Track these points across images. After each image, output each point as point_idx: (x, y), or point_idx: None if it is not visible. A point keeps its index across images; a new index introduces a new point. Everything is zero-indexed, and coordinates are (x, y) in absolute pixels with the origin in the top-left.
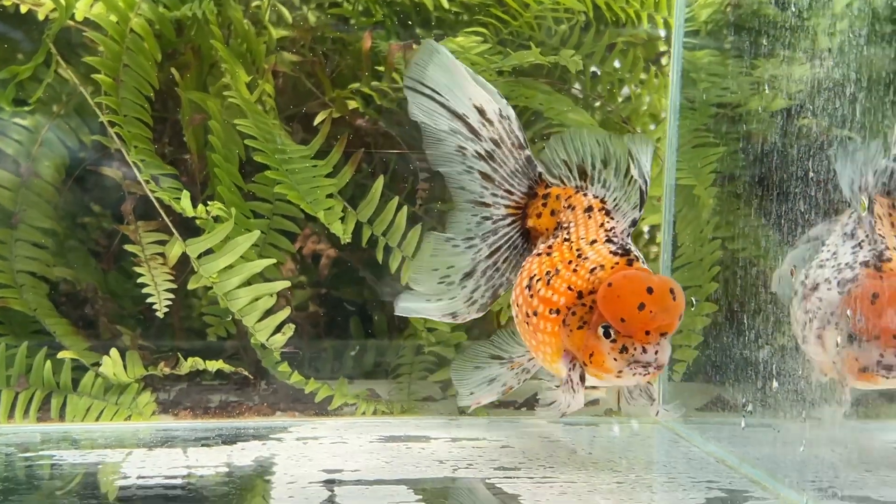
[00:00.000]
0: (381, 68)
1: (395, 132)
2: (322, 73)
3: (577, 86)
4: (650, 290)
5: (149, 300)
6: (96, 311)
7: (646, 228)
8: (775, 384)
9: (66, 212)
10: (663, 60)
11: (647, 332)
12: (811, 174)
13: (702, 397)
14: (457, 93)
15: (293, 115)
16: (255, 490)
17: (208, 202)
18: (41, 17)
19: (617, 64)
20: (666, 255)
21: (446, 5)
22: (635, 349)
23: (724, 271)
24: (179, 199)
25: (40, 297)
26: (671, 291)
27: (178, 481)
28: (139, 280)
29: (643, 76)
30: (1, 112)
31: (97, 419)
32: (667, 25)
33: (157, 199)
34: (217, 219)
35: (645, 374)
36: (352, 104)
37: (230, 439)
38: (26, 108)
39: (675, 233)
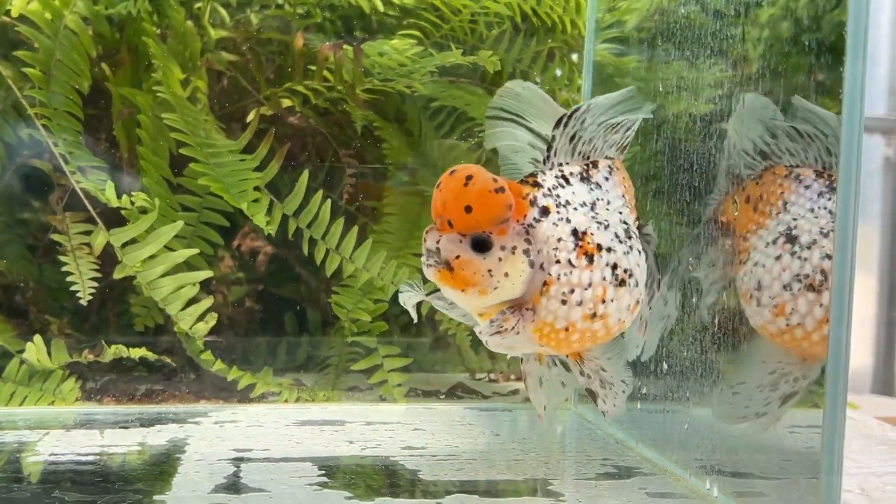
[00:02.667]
0: (314, 67)
1: (325, 130)
2: (258, 72)
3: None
4: (452, 173)
5: (73, 288)
6: (27, 301)
7: None
8: (665, 366)
9: (3, 206)
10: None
11: (439, 218)
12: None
13: None
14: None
15: (232, 114)
16: (163, 466)
17: (132, 194)
18: None
19: (555, 69)
20: None
21: (381, 8)
22: (426, 234)
23: None
24: (104, 190)
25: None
26: (467, 178)
27: (90, 458)
28: (64, 269)
29: (559, 75)
30: None
31: (21, 404)
32: (575, 26)
33: (83, 189)
34: (143, 210)
35: (428, 266)
36: (286, 102)
37: (148, 422)
38: None
39: None
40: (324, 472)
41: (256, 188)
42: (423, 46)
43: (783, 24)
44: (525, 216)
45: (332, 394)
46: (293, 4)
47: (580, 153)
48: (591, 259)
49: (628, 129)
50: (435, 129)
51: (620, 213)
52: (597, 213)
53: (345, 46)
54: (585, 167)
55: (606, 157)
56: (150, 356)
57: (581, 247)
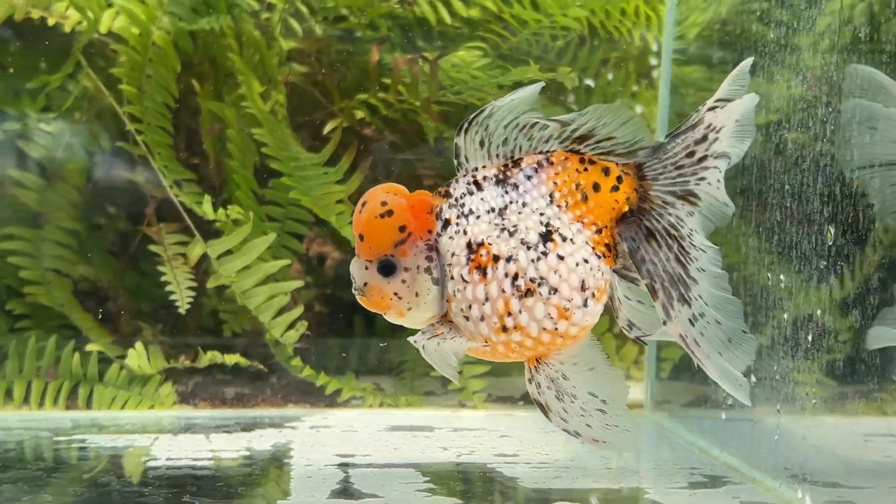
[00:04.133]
0: (388, 80)
1: (399, 141)
2: (331, 84)
3: (570, 98)
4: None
5: (171, 297)
6: (118, 308)
7: None
8: (753, 379)
9: (87, 213)
10: (654, 74)
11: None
12: (787, 186)
13: (687, 394)
14: None
15: (300, 123)
16: (277, 472)
17: (227, 206)
18: (67, 29)
19: (610, 77)
20: None
21: (449, 20)
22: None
23: None
24: (200, 203)
25: (66, 293)
26: (362, 205)
27: (206, 463)
28: (162, 279)
29: (634, 89)
30: (27, 119)
31: (122, 408)
32: (657, 42)
33: (181, 202)
34: (236, 222)
35: (354, 291)
36: (359, 114)
37: (248, 427)
38: (51, 115)
39: None
40: (428, 478)
41: (339, 201)
42: (489, 59)
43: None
44: (430, 231)
45: (413, 398)
46: (358, 16)
47: (499, 155)
48: (484, 273)
49: (568, 124)
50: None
51: (542, 213)
52: (505, 219)
53: (420, 61)
54: (503, 167)
55: (540, 153)
56: (244, 362)
57: (473, 260)
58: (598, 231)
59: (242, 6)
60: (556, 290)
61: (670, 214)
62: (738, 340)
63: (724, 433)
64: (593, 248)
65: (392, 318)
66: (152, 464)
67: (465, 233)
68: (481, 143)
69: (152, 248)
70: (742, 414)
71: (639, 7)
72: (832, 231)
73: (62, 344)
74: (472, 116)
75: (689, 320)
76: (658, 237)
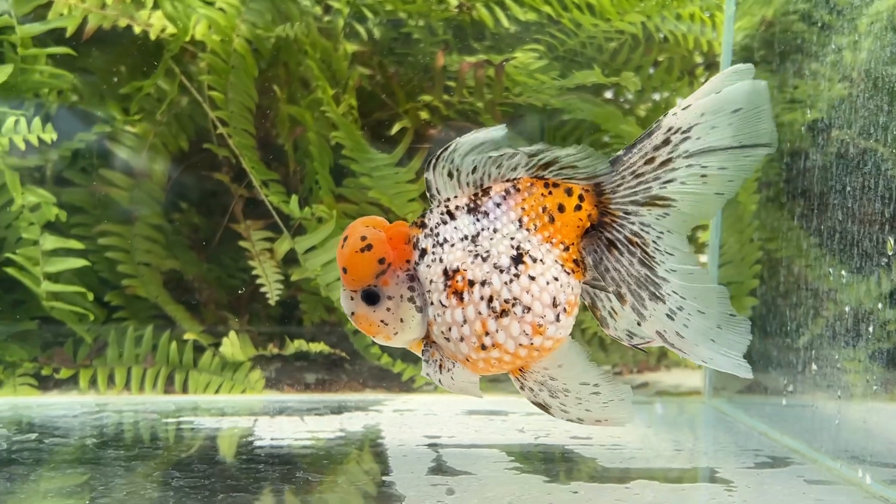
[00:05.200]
0: (452, 83)
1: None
2: (396, 86)
3: (617, 97)
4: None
5: (262, 290)
6: (205, 299)
7: (694, 231)
8: (814, 367)
9: (170, 210)
10: (707, 77)
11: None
12: (848, 188)
13: (744, 381)
14: None
15: (365, 125)
16: (374, 450)
17: (312, 205)
18: (153, 37)
19: (663, 79)
20: (712, 254)
21: (507, 24)
22: None
23: (765, 269)
24: (287, 201)
25: (158, 285)
26: (343, 239)
27: (308, 442)
28: (253, 272)
29: (688, 91)
30: (114, 121)
31: (216, 392)
32: (710, 45)
33: (270, 202)
34: (320, 219)
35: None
36: (423, 115)
37: (336, 410)
38: (136, 117)
39: (720, 234)
40: (513, 458)
41: (412, 199)
42: (546, 60)
43: None
44: (409, 261)
45: (483, 384)
46: (414, 18)
47: (469, 184)
48: (461, 297)
49: (534, 155)
50: (561, 139)
51: (513, 238)
52: (478, 246)
53: (485, 64)
54: (474, 196)
55: (507, 181)
56: (327, 349)
57: (450, 286)
58: (566, 248)
59: (310, 12)
60: (529, 309)
61: (632, 223)
62: (729, 325)
63: (784, 418)
64: (562, 266)
65: (380, 341)
66: (259, 443)
67: (440, 260)
68: (450, 175)
69: (242, 243)
70: (803, 400)
71: (694, 13)
72: (892, 242)
73: (157, 333)
74: (438, 153)
75: (667, 315)
76: (619, 245)
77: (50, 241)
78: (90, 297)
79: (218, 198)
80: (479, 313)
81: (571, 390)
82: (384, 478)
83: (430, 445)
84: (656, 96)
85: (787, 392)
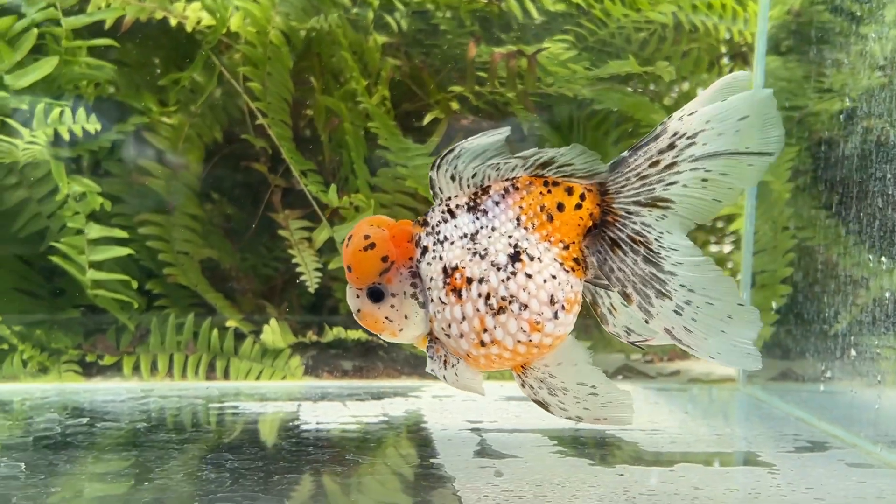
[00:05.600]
0: (483, 73)
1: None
2: (428, 77)
3: (645, 87)
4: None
5: (299, 279)
6: (242, 287)
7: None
8: (853, 353)
9: (206, 200)
10: (731, 68)
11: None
12: (889, 175)
13: (778, 368)
14: None
15: (397, 116)
16: (419, 434)
17: (351, 194)
18: (188, 29)
19: (692, 70)
20: (746, 242)
21: (536, 15)
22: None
23: (799, 257)
24: (325, 191)
25: (197, 274)
26: (348, 239)
27: (354, 427)
28: (293, 261)
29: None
30: (150, 113)
31: (257, 378)
32: (741, 35)
33: (309, 191)
34: (357, 208)
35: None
36: (454, 106)
37: (377, 396)
38: (171, 109)
39: (754, 223)
40: (556, 442)
41: None
42: (575, 51)
43: None
44: (412, 258)
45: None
46: (442, 9)
47: (470, 185)
48: (459, 294)
49: (529, 157)
50: (592, 129)
51: (510, 236)
52: (476, 244)
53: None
54: (474, 195)
55: (506, 180)
56: (364, 337)
57: (449, 283)
58: (566, 247)
59: (340, 3)
60: (526, 306)
61: (634, 223)
62: (739, 314)
63: (822, 404)
64: (561, 264)
65: (387, 337)
66: (305, 427)
67: (440, 258)
68: (452, 178)
69: (281, 232)
70: (841, 386)
71: (726, 3)
72: None
73: (198, 321)
74: (443, 154)
75: (675, 311)
76: (622, 244)
77: (95, 230)
78: (134, 285)
79: (251, 188)
80: (477, 310)
81: (570, 389)
82: (432, 460)
83: (472, 430)
84: (685, 86)
85: (825, 378)
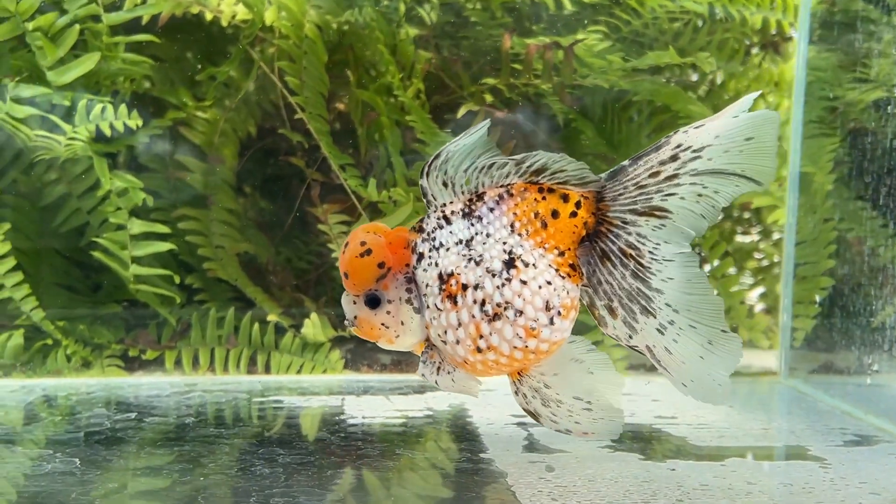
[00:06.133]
0: (518, 66)
1: (531, 124)
2: (461, 69)
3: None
4: (346, 244)
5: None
6: (280, 281)
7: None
8: None
9: (238, 194)
10: (760, 57)
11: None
12: None
13: (822, 361)
14: None
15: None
16: (465, 428)
17: (389, 188)
18: (224, 23)
19: (727, 60)
20: (788, 234)
21: (568, 6)
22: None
23: (842, 249)
24: (364, 185)
25: (235, 268)
26: (345, 246)
27: (399, 420)
28: (332, 255)
29: (755, 72)
30: (186, 108)
31: (298, 372)
32: (780, 25)
33: (348, 185)
34: (395, 202)
35: (347, 324)
36: (488, 98)
37: (418, 390)
38: (206, 103)
39: (796, 214)
40: None
41: None
42: (610, 42)
43: None
44: (408, 265)
45: None
46: (472, 1)
47: (464, 191)
48: (455, 301)
49: (521, 163)
50: (627, 121)
51: (505, 242)
52: (472, 250)
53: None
54: (469, 201)
55: (501, 186)
56: None
57: (445, 290)
58: (561, 253)
59: None
60: (521, 313)
61: (629, 233)
62: (719, 342)
63: (869, 397)
64: (557, 270)
65: (384, 345)
66: (352, 421)
67: (436, 265)
68: (444, 184)
69: (321, 227)
70: (888, 379)
71: None
72: None
73: (238, 315)
74: (430, 161)
75: (657, 330)
76: (612, 257)
77: (137, 226)
78: (177, 280)
79: (285, 182)
80: (473, 316)
81: (564, 402)
82: (482, 455)
83: (518, 424)
84: (718, 77)
85: (872, 371)
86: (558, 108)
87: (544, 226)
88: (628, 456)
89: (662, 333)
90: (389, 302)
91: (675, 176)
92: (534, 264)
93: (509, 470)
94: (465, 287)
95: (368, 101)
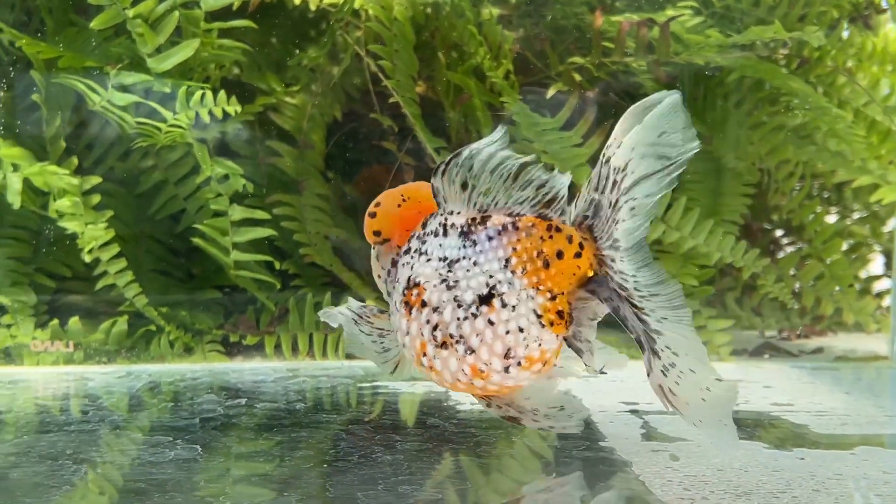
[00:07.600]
0: (609, 44)
1: (625, 103)
2: (549, 49)
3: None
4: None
5: None
6: (367, 267)
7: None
8: None
9: (329, 179)
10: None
11: None
12: None
13: None
14: None
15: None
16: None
17: None
18: (312, 7)
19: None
20: None
21: None
22: None
23: None
24: None
25: (329, 253)
26: (377, 204)
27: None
28: None
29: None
30: (275, 93)
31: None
32: None
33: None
34: None
35: None
36: (576, 77)
37: None
38: (294, 89)
39: None
40: None
41: (580, 164)
42: (702, 17)
43: None
44: (401, 247)
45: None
46: None
47: (475, 205)
48: (409, 310)
49: (542, 186)
50: (723, 97)
51: (491, 276)
52: (451, 272)
53: (650, 24)
54: (471, 221)
55: (510, 214)
56: None
57: (405, 296)
58: (553, 297)
59: None
60: (472, 351)
61: (615, 272)
62: (715, 389)
63: None
64: (539, 317)
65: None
66: (460, 407)
67: (410, 268)
68: (463, 186)
69: None
70: None
71: None
72: None
73: (334, 300)
74: (449, 158)
75: (661, 371)
76: (617, 298)
77: (238, 212)
78: (277, 265)
79: (371, 166)
80: (422, 334)
81: (541, 410)
82: (601, 443)
83: (631, 412)
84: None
85: None
86: (651, 87)
87: (546, 265)
88: (752, 445)
89: (665, 375)
90: (382, 267)
91: (618, 201)
92: (513, 307)
93: (633, 459)
94: (424, 304)
95: (459, 83)
